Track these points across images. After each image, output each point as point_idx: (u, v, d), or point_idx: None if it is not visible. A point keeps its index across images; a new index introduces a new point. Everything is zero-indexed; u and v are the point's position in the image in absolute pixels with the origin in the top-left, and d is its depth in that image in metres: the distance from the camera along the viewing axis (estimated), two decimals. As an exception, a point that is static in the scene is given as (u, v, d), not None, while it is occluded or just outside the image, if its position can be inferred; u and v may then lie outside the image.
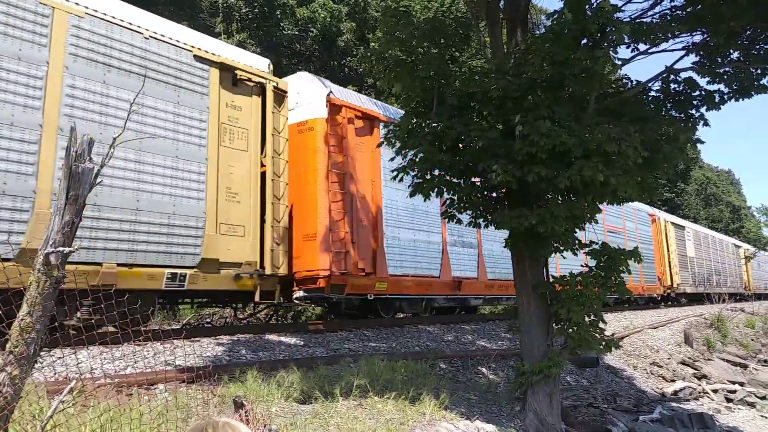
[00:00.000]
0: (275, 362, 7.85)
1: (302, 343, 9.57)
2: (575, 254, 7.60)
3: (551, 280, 7.44)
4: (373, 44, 24.41)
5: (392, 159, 8.14)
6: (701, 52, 7.47)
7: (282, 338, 9.72)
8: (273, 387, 6.29)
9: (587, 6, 6.49)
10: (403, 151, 7.49)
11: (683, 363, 15.88)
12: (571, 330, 7.03)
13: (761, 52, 7.18)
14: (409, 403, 6.59)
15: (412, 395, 6.78)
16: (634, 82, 7.67)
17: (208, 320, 14.45)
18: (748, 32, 7.19)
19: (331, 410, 6.00)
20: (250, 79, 9.89)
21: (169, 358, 7.15)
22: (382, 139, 7.78)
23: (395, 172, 7.59)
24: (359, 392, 6.64)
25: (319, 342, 9.82)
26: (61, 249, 3.19)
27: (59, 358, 6.81)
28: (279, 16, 26.15)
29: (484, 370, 10.07)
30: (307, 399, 6.37)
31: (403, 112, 8.30)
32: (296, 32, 26.59)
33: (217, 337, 9.14)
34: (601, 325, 7.14)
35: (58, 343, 6.49)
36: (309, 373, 7.26)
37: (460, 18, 8.29)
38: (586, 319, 6.99)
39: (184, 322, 13.47)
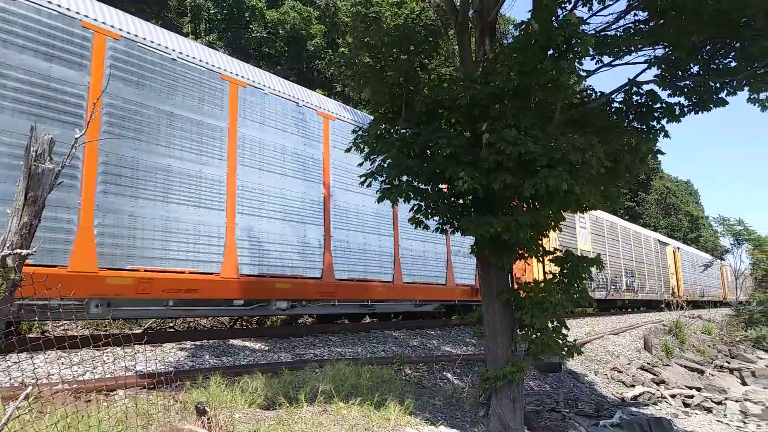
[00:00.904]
0: (239, 367, 7.77)
1: (267, 348, 9.49)
2: (539, 260, 7.70)
3: (516, 286, 7.54)
4: (342, 49, 24.42)
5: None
6: (663, 66, 7.68)
7: (246, 343, 9.62)
8: (237, 393, 6.21)
9: (553, 18, 6.61)
10: (371, 157, 7.51)
11: (643, 368, 16.24)
12: (534, 336, 7.11)
13: (720, 66, 7.41)
14: (374, 409, 6.58)
15: (377, 401, 6.77)
16: (598, 93, 7.84)
17: (171, 325, 14.19)
18: (708, 47, 7.41)
19: (296, 416, 5.95)
20: None
21: (129, 363, 7.01)
22: (350, 144, 7.78)
23: (363, 177, 7.60)
24: (324, 398, 6.61)
25: (284, 347, 9.75)
26: (18, 251, 3.11)
27: (15, 363, 6.62)
28: (248, 18, 26.01)
29: (449, 375, 10.13)
30: (271, 405, 6.31)
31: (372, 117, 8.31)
32: (265, 35, 26.45)
33: (180, 342, 9.00)
34: (564, 331, 7.25)
35: (14, 348, 6.31)
36: (273, 378, 7.20)
37: (430, 26, 8.36)
38: (550, 325, 7.09)
39: (146, 326, 13.21)
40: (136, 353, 7.30)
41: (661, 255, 34.26)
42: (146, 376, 6.45)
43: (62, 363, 6.91)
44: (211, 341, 9.34)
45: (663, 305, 32.20)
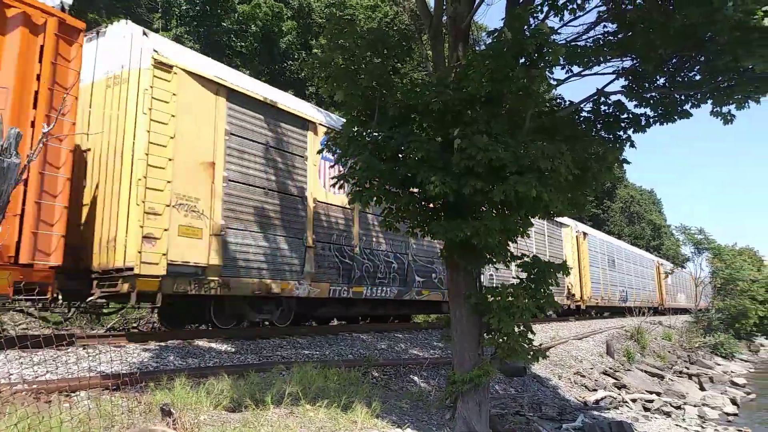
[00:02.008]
0: (205, 369, 7.68)
1: (233, 349, 9.40)
2: (507, 266, 7.78)
3: (483, 290, 7.61)
4: (315, 50, 24.38)
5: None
6: (630, 77, 7.86)
7: (212, 344, 9.50)
8: (202, 394, 6.15)
9: (526, 27, 6.72)
10: (343, 159, 7.51)
11: (605, 373, 16.54)
12: (501, 340, 7.18)
13: (685, 79, 7.62)
14: (341, 411, 6.59)
15: (344, 403, 6.78)
16: (568, 103, 7.98)
17: (134, 325, 13.95)
18: (674, 60, 7.62)
19: (262, 418, 5.92)
20: None
21: (92, 363, 6.88)
22: (322, 146, 7.77)
23: (334, 180, 7.59)
24: (291, 400, 6.59)
25: (251, 349, 9.66)
26: (-19, 248, 3.04)
27: (-29, 362, 6.45)
28: (219, 12, 25.82)
29: (416, 378, 10.17)
30: (237, 407, 6.26)
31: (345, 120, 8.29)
32: (235, 28, 26.25)
33: (144, 342, 8.86)
34: (529, 335, 7.34)
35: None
36: (239, 380, 7.14)
37: (404, 30, 8.42)
38: (516, 329, 7.17)
39: (108, 326, 12.96)
40: (98, 353, 7.17)
41: (551, 241, 23.73)
42: (109, 377, 6.33)
43: (22, 362, 6.74)
44: (176, 342, 9.20)
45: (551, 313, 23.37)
